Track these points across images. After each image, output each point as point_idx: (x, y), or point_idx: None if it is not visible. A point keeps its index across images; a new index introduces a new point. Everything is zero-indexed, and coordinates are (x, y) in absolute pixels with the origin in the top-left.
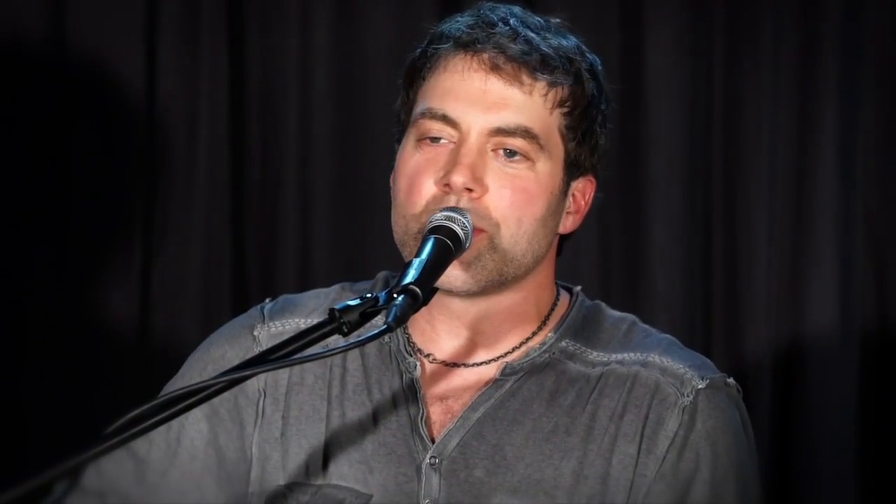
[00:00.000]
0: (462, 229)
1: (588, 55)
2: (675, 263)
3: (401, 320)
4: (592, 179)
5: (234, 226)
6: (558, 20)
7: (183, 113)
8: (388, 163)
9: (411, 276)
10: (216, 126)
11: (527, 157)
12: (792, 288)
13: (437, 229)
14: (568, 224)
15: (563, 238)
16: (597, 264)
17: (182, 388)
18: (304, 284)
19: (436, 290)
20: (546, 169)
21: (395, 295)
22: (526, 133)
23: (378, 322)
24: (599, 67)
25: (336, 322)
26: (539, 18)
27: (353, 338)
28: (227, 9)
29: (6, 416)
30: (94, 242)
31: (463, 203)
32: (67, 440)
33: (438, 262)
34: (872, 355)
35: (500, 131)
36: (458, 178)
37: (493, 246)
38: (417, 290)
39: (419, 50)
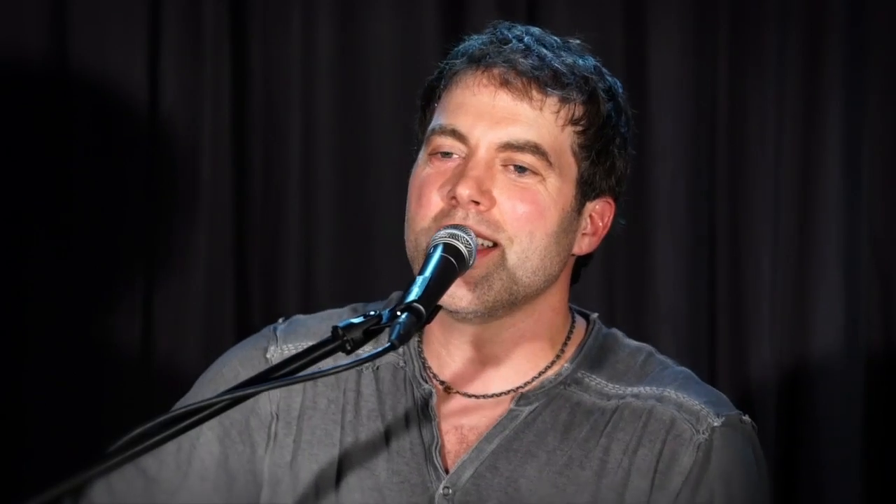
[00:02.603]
0: (466, 247)
1: (608, 77)
2: (679, 280)
3: (404, 338)
4: (611, 202)
5: (236, 241)
6: (578, 41)
7: (185, 125)
8: (391, 174)
9: (415, 293)
10: (218, 140)
11: (535, 173)
12: (797, 305)
13: (440, 247)
14: (584, 245)
15: (580, 264)
16: (600, 281)
17: (186, 406)
18: (307, 301)
19: (439, 308)
20: (556, 185)
21: (398, 313)
22: (535, 149)
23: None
24: (620, 90)
25: (339, 340)
26: (557, 39)
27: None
28: (230, 20)
29: (8, 435)
30: (95, 259)
31: (471, 217)
32: (70, 461)
33: (442, 280)
34: (878, 374)
35: (508, 146)
36: (464, 191)
37: (504, 262)
38: (421, 308)
39: (437, 70)
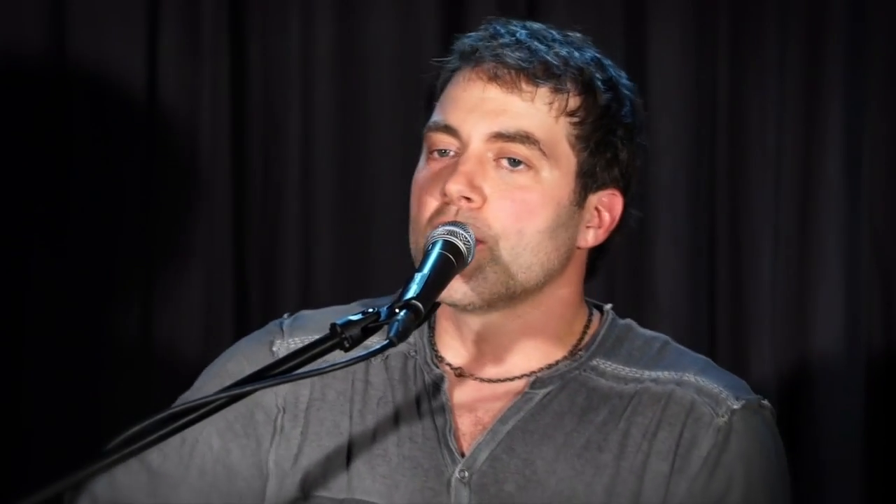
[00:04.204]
0: (464, 244)
1: (609, 68)
2: (678, 279)
3: (403, 335)
4: (618, 194)
5: (235, 238)
6: (579, 34)
7: (184, 123)
8: (391, 172)
9: (413, 290)
10: (217, 138)
11: (529, 166)
12: (797, 304)
13: (438, 244)
14: (589, 238)
15: (594, 257)
16: (600, 280)
17: (183, 405)
18: (306, 298)
19: (438, 304)
20: (552, 178)
21: (396, 310)
22: (526, 138)
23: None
24: (624, 80)
25: (337, 337)
26: (556, 32)
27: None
28: (229, 18)
29: (7, 432)
30: (94, 256)
31: (462, 214)
32: (69, 458)
33: (440, 276)
34: (879, 373)
35: (499, 136)
36: (453, 186)
37: (494, 258)
38: (419, 304)
39: (436, 70)
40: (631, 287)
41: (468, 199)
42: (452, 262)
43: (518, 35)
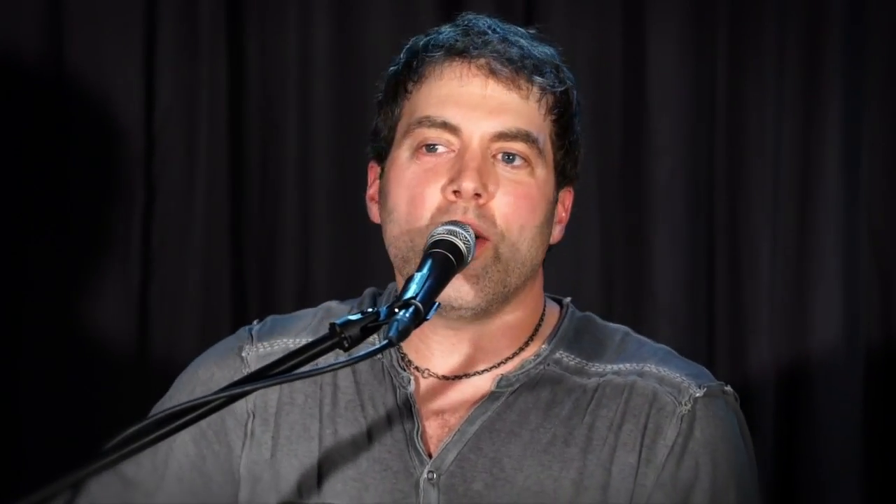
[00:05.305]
0: (465, 244)
1: (564, 65)
2: (678, 278)
3: (403, 335)
4: (571, 189)
5: (233, 238)
6: (534, 30)
7: (182, 125)
8: None
9: (413, 290)
10: (215, 139)
11: (527, 163)
12: (796, 302)
13: (439, 244)
14: (556, 234)
15: (547, 251)
16: (599, 277)
17: (181, 405)
18: (303, 297)
19: (437, 305)
20: (543, 175)
21: (396, 310)
22: (527, 137)
23: (372, 339)
24: (571, 75)
25: (337, 337)
26: (521, 28)
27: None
28: (226, 19)
29: (4, 431)
30: (93, 256)
31: (471, 211)
32: (64, 455)
33: (441, 277)
34: (878, 372)
35: (502, 136)
36: (469, 184)
37: (497, 256)
38: (419, 305)
39: (399, 64)
40: (631, 287)
41: (478, 195)
42: (453, 263)
43: (500, 31)
